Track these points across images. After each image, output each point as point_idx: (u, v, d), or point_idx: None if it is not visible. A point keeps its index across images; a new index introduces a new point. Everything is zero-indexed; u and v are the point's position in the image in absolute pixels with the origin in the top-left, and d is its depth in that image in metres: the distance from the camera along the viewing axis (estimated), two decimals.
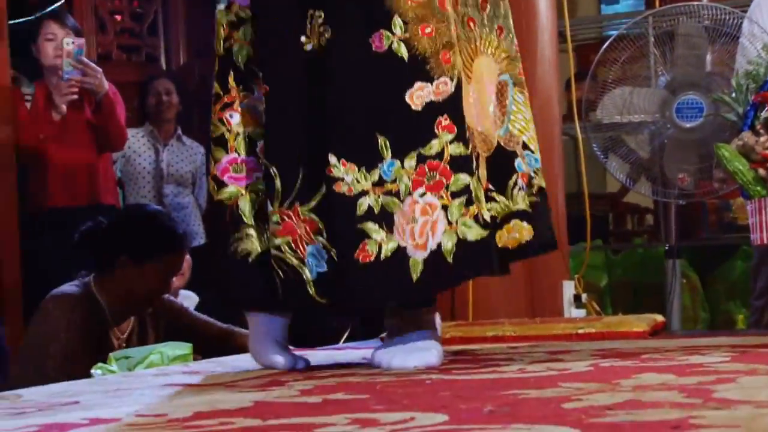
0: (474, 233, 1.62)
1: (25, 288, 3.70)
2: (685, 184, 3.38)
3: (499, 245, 1.74)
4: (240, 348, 2.61)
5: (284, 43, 1.69)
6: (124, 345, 2.68)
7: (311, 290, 1.66)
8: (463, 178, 1.63)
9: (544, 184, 1.83)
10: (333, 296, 1.66)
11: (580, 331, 2.25)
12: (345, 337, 3.12)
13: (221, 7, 1.80)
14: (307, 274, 1.66)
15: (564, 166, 3.49)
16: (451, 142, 1.63)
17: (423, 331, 1.73)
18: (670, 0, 3.99)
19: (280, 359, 1.79)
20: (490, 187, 1.75)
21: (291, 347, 1.86)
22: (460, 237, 1.61)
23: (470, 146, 1.66)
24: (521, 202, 1.77)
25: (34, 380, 2.16)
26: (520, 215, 1.76)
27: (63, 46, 3.57)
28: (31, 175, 3.79)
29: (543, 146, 3.14)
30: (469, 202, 1.63)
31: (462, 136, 1.64)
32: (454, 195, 1.63)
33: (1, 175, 3.76)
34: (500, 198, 1.76)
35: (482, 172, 1.73)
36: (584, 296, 3.26)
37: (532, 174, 1.80)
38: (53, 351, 2.53)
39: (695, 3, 3.47)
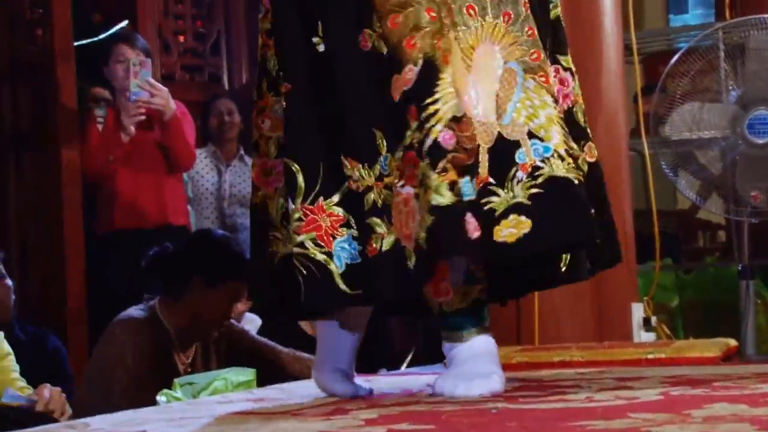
0: (428, 219, 1.59)
1: (90, 310, 3.74)
2: (758, 201, 3.29)
3: (497, 240, 1.62)
4: (302, 373, 2.60)
5: (298, 44, 1.72)
6: (189, 370, 2.69)
7: (340, 283, 1.65)
8: (423, 166, 1.61)
9: (562, 173, 1.65)
10: (362, 288, 1.65)
11: (650, 357, 2.20)
12: (408, 359, 3.10)
13: (261, 15, 1.82)
14: (334, 267, 1.65)
15: (632, 182, 3.42)
16: (415, 129, 1.62)
17: (483, 354, 1.70)
18: (741, 11, 3.90)
19: (341, 388, 1.78)
20: (491, 180, 1.64)
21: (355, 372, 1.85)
22: (426, 223, 1.59)
23: (443, 132, 1.61)
24: (520, 194, 1.65)
25: (101, 405, 2.18)
26: (519, 208, 1.63)
27: (130, 67, 3.62)
28: (100, 197, 3.85)
29: (609, 162, 3.12)
30: (424, 190, 1.60)
31: (421, 123, 1.61)
32: (421, 183, 1.61)
33: (68, 196, 3.82)
34: (500, 191, 1.65)
35: (483, 166, 1.64)
36: (654, 319, 3.18)
37: (539, 163, 1.66)
38: (119, 376, 2.55)
39: (767, 16, 3.38)
